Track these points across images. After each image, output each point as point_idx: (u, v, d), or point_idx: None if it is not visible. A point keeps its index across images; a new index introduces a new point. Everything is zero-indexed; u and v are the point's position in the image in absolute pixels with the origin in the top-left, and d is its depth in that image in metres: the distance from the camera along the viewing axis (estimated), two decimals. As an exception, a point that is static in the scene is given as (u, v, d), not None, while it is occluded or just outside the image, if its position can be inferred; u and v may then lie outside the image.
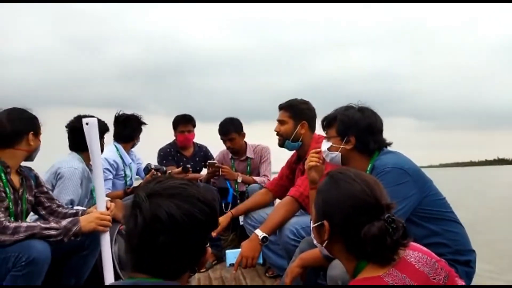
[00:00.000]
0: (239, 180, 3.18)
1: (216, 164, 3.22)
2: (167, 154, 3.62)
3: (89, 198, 2.61)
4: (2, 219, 1.74)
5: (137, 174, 3.41)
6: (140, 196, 0.83)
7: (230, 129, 3.29)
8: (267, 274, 2.66)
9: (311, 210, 1.85)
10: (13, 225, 1.75)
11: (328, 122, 1.84)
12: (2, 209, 1.79)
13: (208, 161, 3.34)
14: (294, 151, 2.41)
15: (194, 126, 3.67)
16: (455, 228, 1.65)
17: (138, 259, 0.83)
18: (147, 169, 3.07)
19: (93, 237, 1.98)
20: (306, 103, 2.37)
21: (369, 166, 1.67)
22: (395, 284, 0.93)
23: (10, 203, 1.89)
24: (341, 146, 1.74)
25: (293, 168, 2.46)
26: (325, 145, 1.80)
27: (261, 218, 2.35)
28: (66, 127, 2.59)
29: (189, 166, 3.28)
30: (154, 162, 3.48)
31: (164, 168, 3.13)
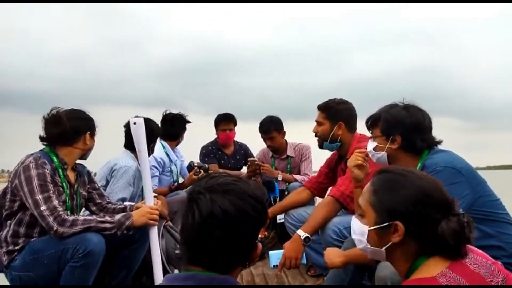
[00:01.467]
0: (280, 178, 3.18)
1: (256, 162, 3.25)
2: (209, 152, 3.71)
3: (139, 196, 2.73)
4: (61, 212, 1.86)
5: (180, 171, 3.52)
6: (197, 192, 0.86)
7: (271, 127, 3.30)
8: (309, 273, 2.65)
9: (355, 209, 1.84)
10: (71, 218, 1.86)
11: (372, 122, 1.82)
12: (60, 202, 1.91)
13: (249, 159, 3.38)
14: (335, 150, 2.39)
15: (235, 124, 3.75)
16: (511, 230, 1.57)
17: (194, 253, 0.86)
18: (190, 166, 3.16)
19: (142, 231, 2.06)
20: (343, 103, 2.33)
21: (419, 166, 1.62)
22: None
23: (67, 198, 2.01)
24: (387, 146, 1.71)
25: (333, 167, 2.45)
26: (370, 145, 1.78)
27: (302, 217, 2.35)
28: (124, 126, 2.73)
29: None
30: (195, 159, 3.58)
31: (207, 166, 3.20)
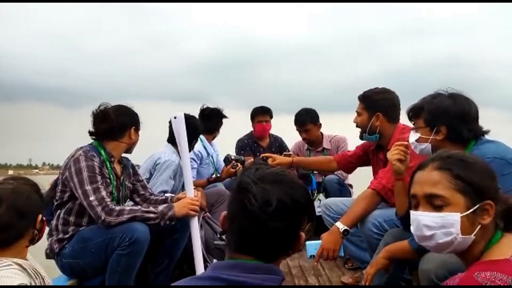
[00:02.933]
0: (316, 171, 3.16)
1: (292, 156, 3.23)
2: (245, 145, 3.76)
3: (180, 189, 2.81)
4: (109, 202, 1.95)
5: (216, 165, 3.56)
6: (248, 182, 0.87)
7: (306, 119, 3.29)
8: (346, 266, 2.64)
9: (396, 202, 1.81)
10: (118, 208, 1.95)
11: (414, 113, 1.76)
12: (108, 193, 2.00)
13: (284, 152, 3.37)
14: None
15: (271, 117, 3.77)
16: None
17: (244, 241, 0.87)
18: (227, 159, 3.21)
19: (183, 221, 2.13)
20: (383, 93, 2.26)
21: None
22: None
23: (113, 189, 2.11)
24: (431, 137, 1.66)
25: (369, 153, 2.42)
26: (413, 137, 1.73)
27: (340, 210, 2.33)
28: (169, 122, 2.83)
29: (265, 157, 3.39)
30: (228, 153, 3.64)
31: (243, 158, 3.24)
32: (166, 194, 2.45)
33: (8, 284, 1.20)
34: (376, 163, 2.36)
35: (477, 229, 0.99)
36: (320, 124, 3.38)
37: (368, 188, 2.08)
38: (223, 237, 2.58)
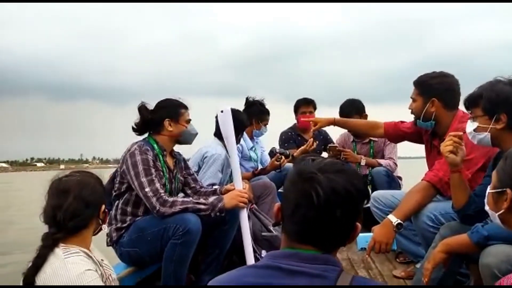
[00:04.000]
0: (363, 163, 3.09)
1: (337, 148, 3.18)
2: (288, 138, 3.75)
3: (227, 182, 2.87)
4: (163, 193, 2.03)
5: (261, 160, 3.55)
6: (311, 172, 0.87)
7: (352, 110, 3.21)
8: (397, 260, 2.57)
9: (452, 195, 1.73)
10: (171, 199, 2.03)
11: (472, 101, 1.68)
12: (161, 185, 2.08)
13: (329, 144, 3.33)
14: None
15: (314, 108, 3.73)
16: None
17: (307, 231, 0.87)
18: (272, 152, 3.23)
19: (232, 213, 2.18)
20: (439, 77, 2.12)
21: None
22: None
23: (166, 181, 2.19)
24: (490, 126, 1.58)
25: (422, 134, 2.32)
26: (470, 126, 1.65)
27: (389, 202, 2.28)
28: (216, 117, 2.90)
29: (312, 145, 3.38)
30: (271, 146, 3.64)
31: (288, 152, 3.24)
32: (214, 187, 2.52)
33: (76, 269, 1.28)
34: (430, 149, 2.26)
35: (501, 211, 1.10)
36: (366, 115, 3.29)
37: (422, 180, 2.00)
38: (271, 228, 2.62)
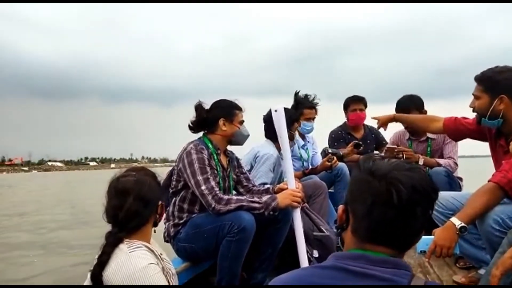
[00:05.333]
0: (421, 162, 2.91)
1: (396, 149, 2.98)
2: (338, 137, 3.67)
3: (278, 181, 2.88)
4: (218, 191, 2.08)
5: (312, 162, 3.51)
6: (390, 170, 0.85)
7: (410, 106, 3.02)
8: (457, 264, 2.44)
9: None
10: (226, 197, 2.08)
11: None
12: (216, 183, 2.13)
13: (388, 146, 3.17)
14: None
15: (365, 106, 3.63)
16: None
17: (383, 231, 0.85)
18: (324, 152, 3.19)
19: (285, 212, 2.18)
20: (507, 72, 1.96)
21: None
22: None
23: (220, 180, 2.23)
24: None
25: (485, 132, 2.17)
26: None
27: (450, 205, 2.15)
28: (264, 117, 2.93)
29: (360, 143, 3.30)
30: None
31: (341, 153, 3.18)
32: (266, 186, 2.53)
33: (140, 263, 1.34)
34: (495, 149, 2.11)
35: None
36: (426, 111, 3.08)
37: (489, 181, 1.87)
38: (323, 228, 2.59)
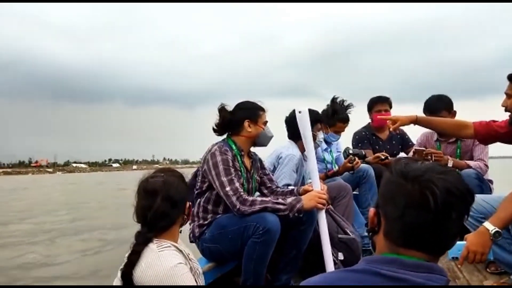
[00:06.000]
0: (450, 164, 2.83)
1: (425, 151, 2.84)
2: (362, 138, 3.62)
3: (302, 183, 2.86)
4: (242, 193, 2.09)
5: (337, 162, 3.47)
6: (423, 172, 0.83)
7: (440, 106, 2.92)
8: (488, 270, 2.36)
9: None
10: (250, 198, 2.08)
11: None
12: (240, 185, 2.14)
13: (415, 147, 3.09)
14: None
15: (390, 106, 3.57)
16: None
17: (417, 235, 0.83)
18: (346, 153, 3.15)
19: (310, 213, 2.17)
20: None
21: None
22: None
23: (244, 181, 2.24)
24: None
25: None
26: None
27: (481, 208, 2.09)
28: (286, 118, 2.92)
29: (387, 155, 3.24)
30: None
31: (363, 152, 3.14)
32: (289, 187, 2.52)
33: (170, 262, 1.36)
34: None
35: None
36: (455, 112, 2.99)
37: None
38: (348, 230, 2.56)
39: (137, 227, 1.46)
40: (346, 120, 3.32)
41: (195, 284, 1.40)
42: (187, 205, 1.53)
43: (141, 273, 1.34)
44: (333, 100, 3.31)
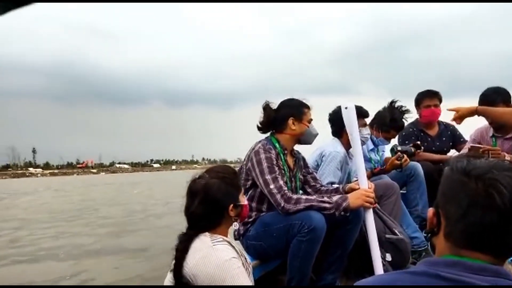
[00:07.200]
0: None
1: (481, 149, 2.70)
2: (410, 134, 3.47)
3: (346, 180, 2.79)
4: (287, 191, 2.06)
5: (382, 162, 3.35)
6: (489, 170, 0.78)
7: (497, 99, 2.73)
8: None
9: None
10: (295, 196, 2.05)
11: None
12: (284, 183, 2.12)
13: (471, 144, 2.92)
14: None
15: (440, 100, 3.39)
16: None
17: (483, 236, 0.79)
18: (393, 151, 3.03)
19: (356, 212, 2.11)
20: None
21: None
22: None
23: (287, 180, 2.22)
24: None
25: None
26: None
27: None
28: (329, 115, 2.87)
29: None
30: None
31: (412, 149, 3.01)
32: (333, 185, 2.47)
33: (223, 255, 1.36)
34: None
35: None
36: None
37: None
38: (396, 230, 2.46)
39: None
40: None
41: (248, 279, 1.39)
42: (231, 206, 1.50)
43: (194, 267, 1.35)
44: (392, 104, 3.11)
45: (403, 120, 3.10)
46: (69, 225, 11.53)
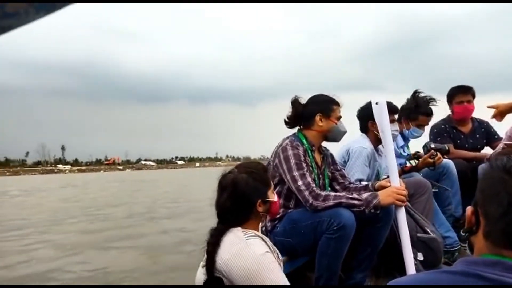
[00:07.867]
0: None
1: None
2: (442, 131, 3.37)
3: (375, 178, 2.74)
4: (315, 187, 2.04)
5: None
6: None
7: None
8: None
9: None
10: (323, 193, 2.02)
11: None
12: (312, 179, 2.09)
13: (505, 141, 2.82)
14: None
15: (473, 96, 3.28)
16: None
17: None
18: (426, 148, 2.95)
19: (386, 210, 2.06)
20: None
21: None
22: None
23: (315, 177, 2.20)
24: None
25: None
26: None
27: None
28: (357, 112, 2.82)
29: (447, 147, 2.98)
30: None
31: (446, 147, 2.92)
32: (362, 182, 2.42)
33: (257, 250, 1.36)
34: None
35: None
36: None
37: None
38: (428, 229, 2.39)
39: None
40: (429, 114, 3.10)
41: (282, 273, 1.39)
42: (258, 202, 1.50)
43: (228, 261, 1.35)
44: (415, 93, 3.11)
45: (431, 110, 3.08)
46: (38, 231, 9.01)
